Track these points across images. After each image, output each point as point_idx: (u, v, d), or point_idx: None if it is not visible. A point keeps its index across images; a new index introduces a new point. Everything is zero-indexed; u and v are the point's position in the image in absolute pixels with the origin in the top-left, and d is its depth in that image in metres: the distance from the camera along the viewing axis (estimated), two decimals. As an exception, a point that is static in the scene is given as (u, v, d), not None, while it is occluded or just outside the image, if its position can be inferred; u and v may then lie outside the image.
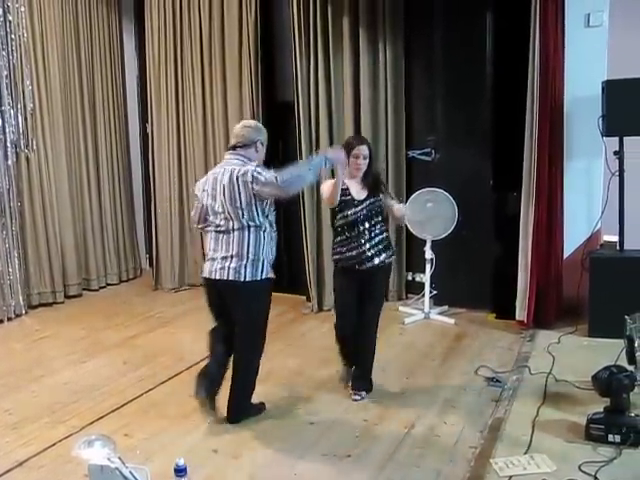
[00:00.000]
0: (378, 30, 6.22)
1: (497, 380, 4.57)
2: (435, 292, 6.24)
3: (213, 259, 3.98)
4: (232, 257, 3.88)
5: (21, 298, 6.50)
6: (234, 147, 4.00)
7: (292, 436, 3.90)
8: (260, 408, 4.21)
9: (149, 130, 7.44)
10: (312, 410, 4.23)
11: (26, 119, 6.51)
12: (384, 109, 6.34)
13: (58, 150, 6.92)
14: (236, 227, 3.88)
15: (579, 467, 3.31)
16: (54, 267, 6.86)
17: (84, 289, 7.31)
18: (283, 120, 7.07)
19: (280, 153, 7.17)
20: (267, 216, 3.95)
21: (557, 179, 5.54)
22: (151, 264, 7.83)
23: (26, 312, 6.57)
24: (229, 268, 3.89)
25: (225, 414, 4.09)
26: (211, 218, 3.99)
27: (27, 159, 6.60)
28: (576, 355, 4.97)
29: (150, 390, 4.66)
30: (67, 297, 7.04)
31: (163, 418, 4.19)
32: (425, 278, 6.16)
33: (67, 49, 7.05)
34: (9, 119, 6.34)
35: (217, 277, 3.94)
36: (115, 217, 7.76)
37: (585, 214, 5.79)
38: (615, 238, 5.46)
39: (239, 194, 3.83)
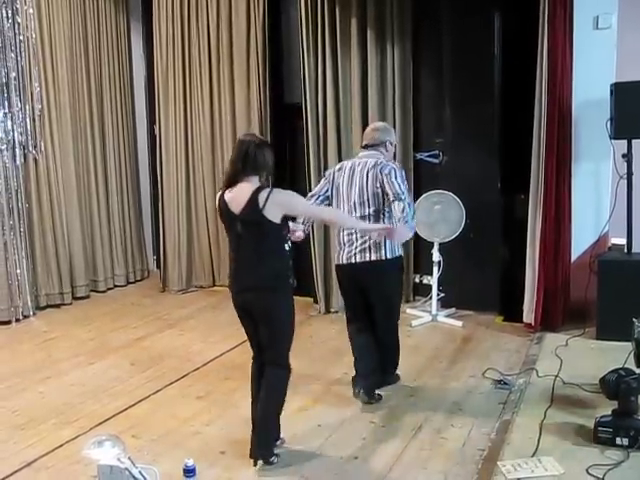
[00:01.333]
0: (386, 32, 6.22)
1: (505, 383, 4.55)
2: (443, 294, 6.23)
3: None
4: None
5: (29, 299, 6.52)
6: (366, 146, 4.41)
7: (299, 438, 3.90)
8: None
9: (157, 131, 7.46)
10: (319, 412, 4.23)
11: (34, 120, 6.54)
12: (392, 111, 6.33)
13: (66, 152, 6.95)
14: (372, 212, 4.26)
15: (587, 470, 3.29)
16: (62, 268, 6.88)
17: (92, 290, 7.34)
18: (291, 121, 7.09)
19: (287, 154, 7.20)
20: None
21: (565, 182, 5.52)
22: (158, 266, 7.84)
23: (34, 313, 6.60)
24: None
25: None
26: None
27: (35, 160, 6.63)
28: (584, 358, 4.95)
29: (158, 391, 4.67)
30: (75, 298, 7.07)
31: (171, 419, 4.20)
32: (433, 280, 6.15)
33: (75, 51, 7.08)
34: (17, 120, 6.37)
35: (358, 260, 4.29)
36: (123, 219, 7.78)
37: (593, 217, 5.77)
38: (623, 241, 5.44)
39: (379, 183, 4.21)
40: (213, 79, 7.16)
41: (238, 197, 3.43)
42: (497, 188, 6.12)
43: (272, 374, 3.63)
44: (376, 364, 4.37)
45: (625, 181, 5.33)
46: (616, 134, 5.26)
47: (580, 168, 5.70)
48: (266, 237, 3.46)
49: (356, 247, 4.26)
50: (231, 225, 3.53)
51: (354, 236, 4.28)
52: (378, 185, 4.20)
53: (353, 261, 4.28)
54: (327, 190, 4.44)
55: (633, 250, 5.39)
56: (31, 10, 6.39)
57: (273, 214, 3.39)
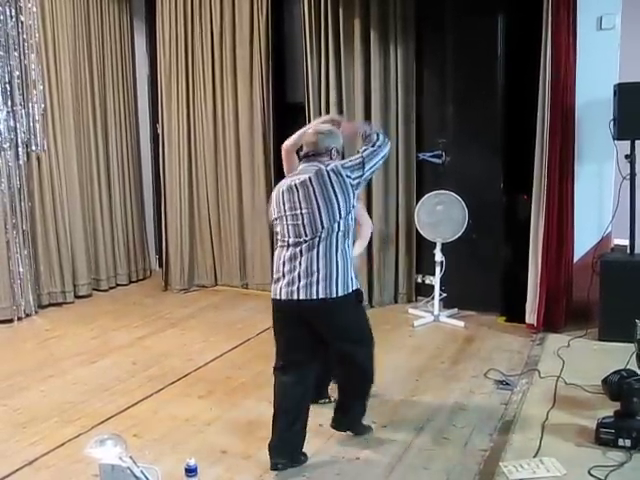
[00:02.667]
0: (389, 32, 6.22)
1: (507, 383, 4.55)
2: (445, 295, 6.22)
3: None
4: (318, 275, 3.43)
5: (31, 298, 6.52)
6: (306, 155, 3.57)
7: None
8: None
9: (159, 130, 7.46)
10: (320, 413, 4.21)
11: (37, 120, 6.52)
12: (394, 111, 6.33)
13: (69, 150, 6.95)
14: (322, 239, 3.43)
15: (589, 471, 3.29)
16: (64, 267, 6.88)
17: (94, 289, 7.33)
18: (293, 121, 7.05)
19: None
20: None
21: (568, 182, 5.52)
22: (161, 265, 7.85)
23: (36, 312, 6.59)
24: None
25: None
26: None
27: (38, 159, 6.63)
28: (586, 359, 4.95)
29: (159, 390, 4.66)
30: (77, 297, 7.06)
31: (172, 419, 4.20)
32: (435, 281, 6.14)
33: (78, 49, 7.07)
34: (20, 119, 6.36)
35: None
36: (125, 218, 7.78)
37: (596, 217, 5.76)
38: (626, 242, 5.44)
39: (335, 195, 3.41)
40: (216, 78, 7.16)
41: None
42: (500, 188, 6.11)
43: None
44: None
45: (628, 182, 5.33)
46: (619, 135, 5.25)
47: (583, 169, 5.69)
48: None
49: (299, 279, 3.43)
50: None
51: (298, 263, 3.45)
52: (338, 193, 3.40)
53: (296, 297, 3.45)
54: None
55: (636, 251, 5.38)
56: (35, 9, 6.38)
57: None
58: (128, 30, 7.76)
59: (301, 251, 3.43)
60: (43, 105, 6.56)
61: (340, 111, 6.40)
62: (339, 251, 3.43)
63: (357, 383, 3.79)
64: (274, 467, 3.50)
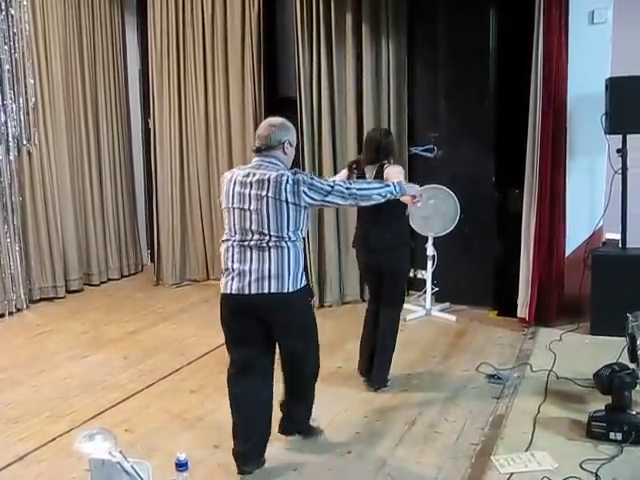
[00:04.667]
0: (381, 26, 6.21)
1: (498, 377, 4.56)
2: (437, 289, 6.23)
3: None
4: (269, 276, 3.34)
5: (22, 292, 6.50)
6: (259, 150, 3.45)
7: (293, 432, 3.90)
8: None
9: (151, 125, 7.43)
10: (313, 406, 4.22)
11: (28, 114, 6.50)
12: (386, 105, 6.32)
13: (60, 145, 6.91)
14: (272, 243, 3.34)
15: (580, 465, 3.31)
16: (55, 262, 6.86)
17: (85, 284, 7.31)
18: (285, 115, 6.99)
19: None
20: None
21: (559, 177, 5.53)
22: (152, 259, 7.83)
23: (27, 306, 6.58)
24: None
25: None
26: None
27: (29, 153, 6.60)
28: (578, 353, 4.97)
29: (151, 385, 4.66)
30: (68, 292, 7.04)
31: (164, 413, 4.19)
32: (427, 275, 6.15)
33: (69, 43, 7.03)
34: (11, 113, 6.33)
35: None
36: (117, 212, 7.75)
37: (587, 212, 5.78)
38: (617, 236, 5.45)
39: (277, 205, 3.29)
40: (208, 72, 7.14)
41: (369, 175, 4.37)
42: (492, 183, 6.12)
43: (392, 310, 4.53)
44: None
45: (620, 176, 5.33)
46: (611, 129, 5.26)
47: (575, 163, 5.70)
48: (392, 205, 3.96)
49: (250, 273, 3.34)
50: None
51: (249, 259, 3.36)
52: (297, 204, 3.31)
53: (247, 292, 3.35)
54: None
55: (627, 245, 5.39)
56: (25, 2, 6.34)
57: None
58: (119, 24, 7.73)
59: (250, 249, 3.34)
60: (34, 99, 6.54)
61: (332, 105, 6.39)
62: (291, 254, 3.34)
63: (302, 381, 3.72)
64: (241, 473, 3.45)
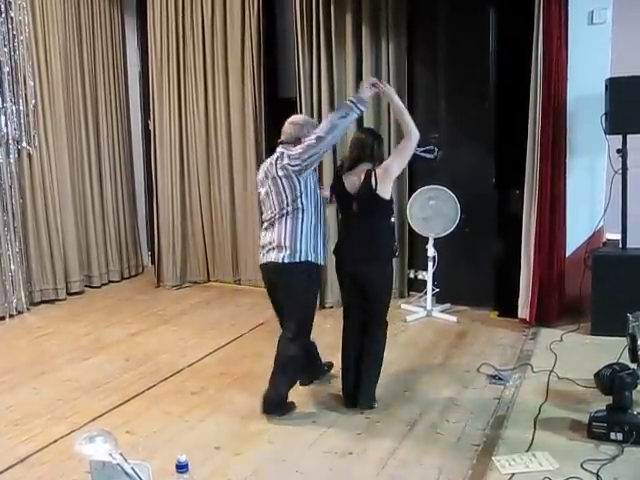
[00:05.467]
0: (381, 27, 6.21)
1: (499, 378, 4.55)
2: (437, 290, 6.23)
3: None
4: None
5: (23, 295, 6.50)
6: (282, 143, 4.12)
7: (294, 433, 3.90)
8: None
9: (151, 126, 7.43)
10: (314, 407, 4.22)
11: (28, 116, 6.50)
12: (386, 106, 6.32)
13: (60, 147, 6.92)
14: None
15: (581, 465, 3.31)
16: (56, 264, 6.86)
17: (86, 286, 7.31)
18: (285, 116, 7.01)
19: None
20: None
21: (560, 177, 5.53)
22: (153, 261, 7.83)
23: (28, 309, 6.58)
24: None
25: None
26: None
27: (29, 156, 6.60)
28: (578, 353, 4.97)
29: (152, 387, 4.65)
30: (69, 294, 7.04)
31: (165, 415, 4.19)
32: (427, 276, 6.15)
33: (69, 45, 7.04)
34: (11, 115, 6.34)
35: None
36: (117, 214, 7.75)
37: (588, 212, 5.78)
38: (618, 236, 5.46)
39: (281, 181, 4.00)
40: (208, 73, 7.14)
41: (354, 180, 4.05)
42: (492, 183, 6.12)
43: (376, 331, 4.20)
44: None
45: (620, 176, 5.33)
46: (611, 129, 5.26)
47: (575, 163, 5.70)
48: (378, 214, 4.05)
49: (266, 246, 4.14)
50: (348, 205, 4.09)
51: (268, 235, 4.13)
52: (288, 175, 3.95)
53: (264, 261, 4.15)
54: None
55: (628, 245, 5.39)
56: (25, 4, 6.35)
57: (384, 189, 3.98)
58: (119, 25, 7.73)
59: (272, 224, 4.08)
60: (34, 101, 6.54)
61: (332, 106, 6.39)
62: (303, 224, 3.99)
63: (281, 353, 4.17)
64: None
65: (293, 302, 4.08)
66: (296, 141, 4.00)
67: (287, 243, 3.98)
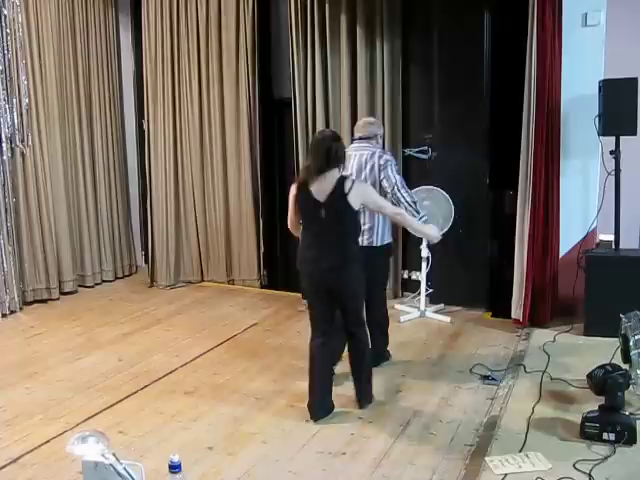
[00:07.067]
0: (375, 28, 6.22)
1: (492, 378, 4.56)
2: (431, 290, 6.24)
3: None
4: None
5: (16, 294, 6.49)
6: (360, 138, 4.78)
7: (287, 433, 3.90)
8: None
9: (145, 126, 7.42)
10: (307, 408, 4.22)
11: (21, 114, 6.48)
12: (381, 107, 6.33)
13: (54, 146, 6.90)
14: None
15: (574, 465, 3.32)
16: (49, 263, 6.84)
17: (79, 286, 7.30)
18: (280, 117, 7.10)
19: (276, 149, 7.20)
20: None
21: (553, 178, 5.54)
22: (146, 261, 7.81)
23: (21, 308, 6.56)
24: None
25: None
26: None
27: (22, 155, 6.57)
28: (571, 354, 4.97)
29: (145, 387, 4.64)
30: (62, 294, 7.03)
31: (158, 415, 4.18)
32: (421, 276, 6.15)
33: (63, 44, 7.02)
34: (4, 114, 6.32)
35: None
36: (111, 213, 7.74)
37: (581, 213, 5.78)
38: (611, 237, 5.47)
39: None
40: (202, 74, 7.13)
41: (323, 187, 3.93)
42: (486, 184, 6.13)
43: (358, 333, 4.18)
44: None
45: (613, 177, 5.35)
46: (604, 131, 5.28)
47: (568, 164, 5.70)
48: (346, 221, 3.99)
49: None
50: (315, 212, 3.96)
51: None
52: (376, 174, 4.61)
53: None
54: None
55: (621, 246, 5.41)
56: (18, 2, 6.33)
57: (354, 201, 3.93)
58: (113, 25, 7.72)
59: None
60: (27, 100, 6.52)
61: (326, 107, 6.40)
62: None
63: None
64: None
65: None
66: (373, 137, 4.75)
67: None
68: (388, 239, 4.81)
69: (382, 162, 4.63)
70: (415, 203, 4.67)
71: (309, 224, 4.07)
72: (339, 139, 4.05)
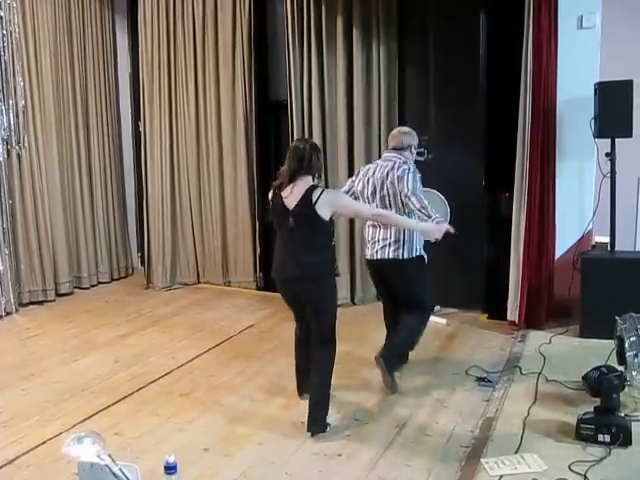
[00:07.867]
0: (372, 29, 6.22)
1: (488, 380, 4.57)
2: (427, 292, 6.23)
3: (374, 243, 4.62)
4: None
5: (12, 296, 6.47)
6: (394, 148, 4.64)
7: (283, 435, 3.90)
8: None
9: (141, 128, 7.42)
10: (303, 409, 4.21)
11: (17, 116, 6.48)
12: (377, 109, 6.34)
13: (50, 148, 6.90)
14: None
15: (569, 467, 3.32)
16: (45, 265, 6.84)
17: (75, 287, 7.29)
18: (276, 119, 7.10)
19: (273, 150, 7.19)
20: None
21: (549, 180, 5.55)
22: (143, 263, 7.81)
23: (17, 310, 6.55)
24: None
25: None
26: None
27: (19, 156, 6.57)
28: (567, 355, 4.98)
29: (141, 389, 4.64)
30: (58, 295, 7.02)
31: (154, 417, 4.18)
32: (417, 278, 6.14)
33: (59, 46, 7.02)
34: (0, 116, 6.31)
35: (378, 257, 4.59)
36: (107, 215, 7.73)
37: (577, 215, 5.80)
38: (606, 239, 5.48)
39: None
40: (198, 75, 7.13)
41: (294, 194, 3.84)
42: (482, 186, 6.13)
43: (321, 348, 3.99)
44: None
45: (608, 180, 5.37)
46: (600, 133, 5.29)
47: (564, 166, 5.71)
48: (315, 231, 3.88)
49: (378, 243, 4.59)
50: (284, 219, 3.89)
51: (377, 233, 4.59)
52: (396, 187, 4.47)
53: (376, 257, 4.60)
54: (350, 189, 4.71)
55: (616, 248, 5.42)
56: (14, 4, 6.33)
57: (323, 211, 3.81)
58: (110, 26, 7.71)
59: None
60: (23, 101, 6.51)
61: (322, 109, 6.40)
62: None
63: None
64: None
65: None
66: (407, 148, 4.63)
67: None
68: (419, 252, 4.71)
69: (399, 173, 4.47)
70: (425, 208, 4.49)
71: (279, 231, 4.05)
72: (317, 149, 3.99)
